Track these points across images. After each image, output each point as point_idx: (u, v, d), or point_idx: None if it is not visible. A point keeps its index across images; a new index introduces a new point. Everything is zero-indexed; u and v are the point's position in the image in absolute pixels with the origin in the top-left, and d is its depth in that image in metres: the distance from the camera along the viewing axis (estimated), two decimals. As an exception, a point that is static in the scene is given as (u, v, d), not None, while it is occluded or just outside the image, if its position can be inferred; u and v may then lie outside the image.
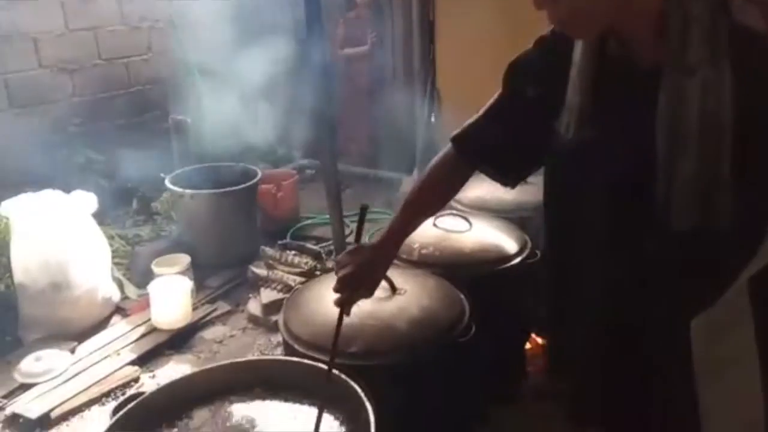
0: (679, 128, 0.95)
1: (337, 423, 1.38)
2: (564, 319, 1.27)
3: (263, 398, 1.46)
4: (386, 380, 1.47)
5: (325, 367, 1.39)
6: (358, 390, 1.37)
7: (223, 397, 1.47)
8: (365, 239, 2.24)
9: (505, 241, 2.05)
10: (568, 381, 1.32)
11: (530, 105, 1.18)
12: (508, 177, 1.35)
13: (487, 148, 1.29)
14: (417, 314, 1.62)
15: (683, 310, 0.98)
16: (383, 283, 1.70)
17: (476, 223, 2.09)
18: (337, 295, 1.40)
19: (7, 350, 2.58)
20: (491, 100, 1.29)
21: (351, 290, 1.38)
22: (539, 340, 2.30)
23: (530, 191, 2.38)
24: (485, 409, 1.88)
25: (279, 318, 1.77)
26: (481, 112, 1.31)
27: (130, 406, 1.39)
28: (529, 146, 1.22)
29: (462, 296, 1.74)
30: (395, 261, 1.97)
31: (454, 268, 1.88)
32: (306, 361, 1.47)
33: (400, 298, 1.67)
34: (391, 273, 1.73)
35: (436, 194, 1.45)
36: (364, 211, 1.42)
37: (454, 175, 1.40)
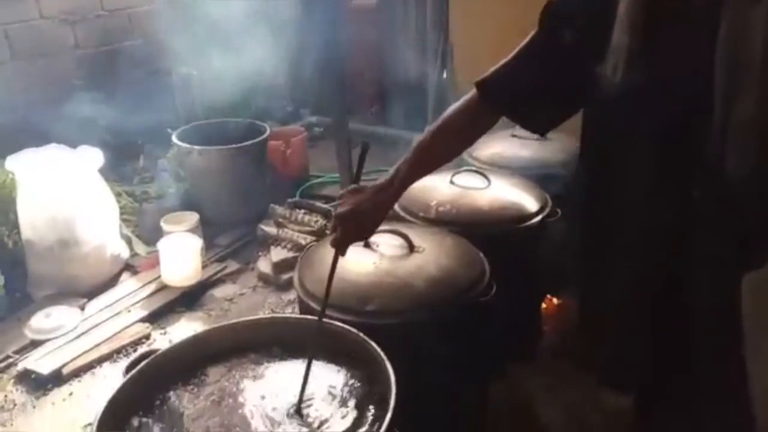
0: (740, 60, 0.87)
1: (356, 383, 1.34)
2: (600, 277, 1.21)
3: (282, 357, 1.42)
4: (405, 339, 1.42)
5: (352, 329, 1.36)
6: (377, 350, 1.33)
7: (241, 355, 1.43)
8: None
9: (524, 198, 1.99)
10: (602, 344, 1.27)
11: (568, 47, 1.09)
12: (539, 124, 1.28)
13: (518, 93, 1.22)
14: (436, 273, 1.57)
15: (733, 263, 0.92)
16: (400, 241, 1.65)
17: (495, 180, 2.02)
18: (332, 243, 1.36)
19: (16, 307, 2.56)
20: (524, 42, 1.20)
21: (347, 230, 1.33)
22: (554, 301, 2.26)
23: (550, 147, 2.33)
24: (502, 368, 1.85)
25: (294, 276, 1.72)
26: (512, 54, 1.22)
27: (144, 362, 1.35)
28: (564, 91, 1.15)
29: (481, 255, 1.68)
30: (413, 219, 1.92)
31: (473, 227, 1.83)
32: (325, 320, 1.43)
33: (418, 257, 1.62)
34: (408, 231, 1.68)
35: (453, 141, 1.37)
36: (365, 150, 1.36)
37: (476, 122, 1.33)
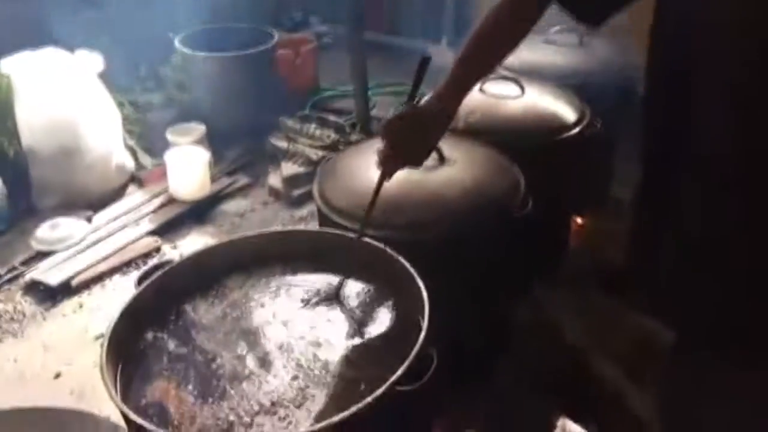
0: None
1: (384, 299, 1.24)
2: (664, 195, 1.07)
3: (306, 271, 1.31)
4: (436, 255, 1.31)
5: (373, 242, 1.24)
6: (407, 266, 1.22)
7: (262, 268, 1.32)
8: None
9: (561, 109, 1.82)
10: (657, 271, 1.14)
11: None
12: (591, 12, 1.11)
13: None
14: (469, 185, 1.44)
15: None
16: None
17: (529, 89, 1.84)
18: (381, 160, 1.21)
19: (22, 218, 2.45)
20: None
21: (399, 157, 1.18)
22: (579, 220, 2.15)
23: (587, 55, 2.13)
24: (528, 287, 1.76)
25: (313, 187, 1.59)
26: None
27: (159, 273, 1.24)
28: None
29: (516, 168, 1.54)
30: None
31: (505, 138, 1.67)
32: (352, 234, 1.31)
33: (450, 169, 1.48)
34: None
35: (500, 41, 1.20)
36: (425, 63, 1.19)
37: (523, 15, 1.16)
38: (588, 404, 1.64)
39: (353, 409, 0.93)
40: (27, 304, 2.09)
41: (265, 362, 1.12)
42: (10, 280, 2.17)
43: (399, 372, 0.99)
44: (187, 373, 1.11)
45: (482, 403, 1.57)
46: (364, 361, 1.11)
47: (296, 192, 2.63)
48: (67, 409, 0.94)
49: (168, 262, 1.29)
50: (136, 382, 1.10)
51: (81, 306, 2.09)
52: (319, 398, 1.04)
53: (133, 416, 0.95)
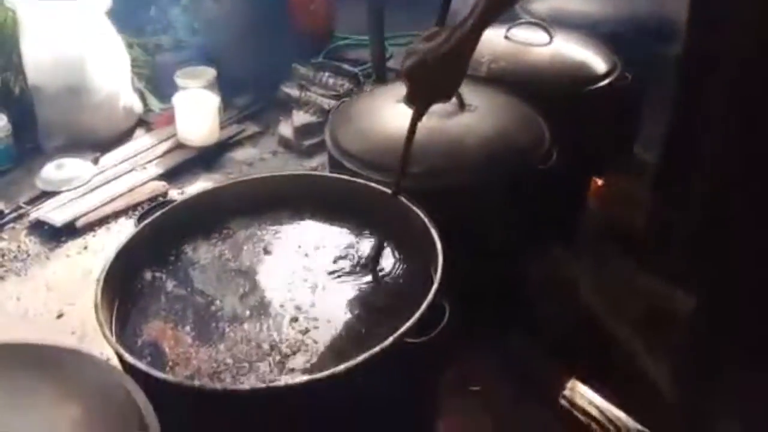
0: None
1: (393, 251, 1.17)
2: (690, 154, 0.98)
3: (316, 220, 1.24)
4: (453, 205, 1.23)
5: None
6: (422, 216, 1.14)
7: (271, 213, 1.25)
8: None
9: (591, 58, 1.70)
10: (684, 235, 1.06)
11: None
12: None
13: None
14: (490, 134, 1.35)
15: None
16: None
17: (558, 36, 1.72)
18: (409, 98, 1.11)
19: (27, 157, 2.39)
20: None
21: (428, 87, 1.08)
22: (600, 179, 2.05)
23: (621, 3, 1.99)
24: (546, 243, 1.68)
25: (325, 132, 1.50)
26: None
27: (160, 212, 1.18)
28: None
29: (540, 118, 1.44)
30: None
31: (530, 87, 1.56)
32: (372, 183, 1.23)
33: (471, 116, 1.39)
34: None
35: None
36: None
37: None
38: (600, 366, 1.58)
39: (359, 358, 0.86)
40: (31, 244, 2.04)
41: (264, 305, 1.06)
42: (14, 219, 2.12)
43: (409, 323, 0.92)
44: (185, 314, 1.05)
45: (492, 359, 1.52)
46: (371, 311, 1.05)
47: (307, 142, 2.54)
48: (65, 348, 0.88)
49: (170, 202, 1.22)
50: (132, 322, 1.04)
51: (85, 248, 2.04)
52: (320, 346, 0.98)
53: (126, 356, 0.89)
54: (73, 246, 2.04)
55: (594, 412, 1.42)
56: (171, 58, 2.79)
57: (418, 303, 0.96)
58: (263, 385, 0.87)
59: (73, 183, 2.24)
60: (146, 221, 1.15)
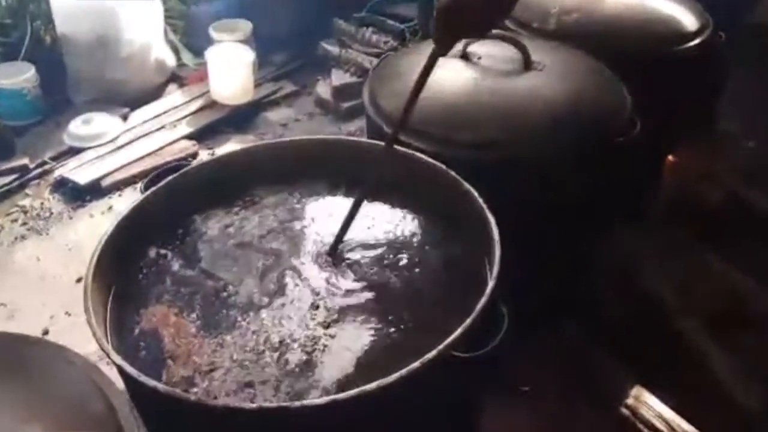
0: None
1: (438, 234, 0.97)
2: None
3: (352, 192, 1.04)
4: (511, 181, 1.01)
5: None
6: (474, 194, 0.93)
7: (304, 180, 1.06)
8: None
9: (679, 13, 1.43)
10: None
11: None
12: None
13: None
14: (560, 98, 1.11)
15: None
16: (512, 53, 1.17)
17: (640, -13, 1.45)
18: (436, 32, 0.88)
19: (56, 111, 2.26)
20: None
21: (462, 15, 0.84)
22: (675, 152, 1.78)
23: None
24: (610, 224, 1.44)
25: (363, 91, 1.29)
26: None
27: (170, 178, 1.00)
28: None
29: (620, 82, 1.19)
30: (524, 32, 1.40)
31: (607, 44, 1.30)
32: (419, 155, 1.01)
33: (536, 76, 1.15)
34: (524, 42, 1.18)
35: None
36: None
37: None
38: (666, 367, 1.37)
39: (392, 377, 0.67)
40: (55, 202, 1.93)
41: (285, 292, 0.88)
42: (39, 175, 2.01)
43: (458, 331, 0.73)
44: (191, 300, 0.88)
45: (544, 356, 1.32)
46: (410, 307, 0.85)
47: (346, 104, 2.35)
48: (32, 338, 0.72)
49: (182, 165, 1.04)
50: (130, 307, 0.88)
51: (110, 208, 1.91)
52: (342, 348, 0.79)
53: (113, 356, 0.72)
54: (97, 206, 1.92)
55: (661, 426, 1.22)
56: (206, 9, 2.60)
57: (467, 304, 0.76)
58: (272, 405, 0.69)
59: (101, 139, 2.11)
60: (154, 188, 0.97)
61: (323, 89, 2.45)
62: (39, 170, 2.01)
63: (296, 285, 0.89)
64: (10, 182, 1.95)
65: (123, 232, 0.91)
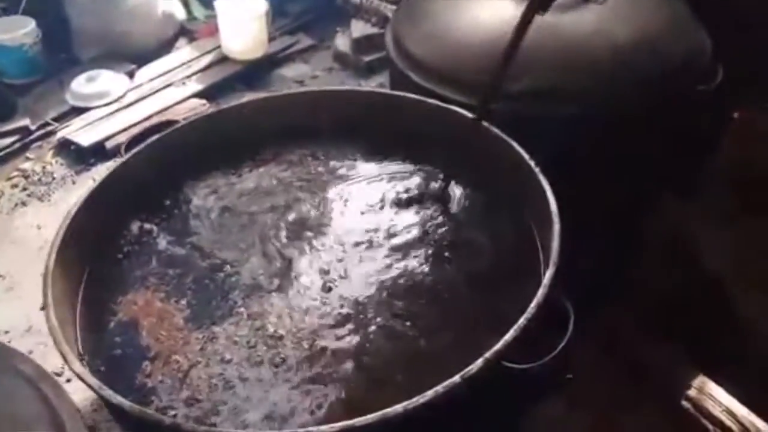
0: None
1: (475, 203, 0.78)
2: None
3: (376, 151, 0.86)
4: (569, 141, 0.81)
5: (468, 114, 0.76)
6: (524, 156, 0.74)
7: (317, 138, 0.88)
8: None
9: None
10: None
11: None
12: None
13: None
14: (627, 38, 0.90)
15: None
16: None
17: None
18: None
19: (58, 68, 2.10)
20: None
21: None
22: (738, 114, 1.54)
23: None
24: (662, 195, 1.24)
25: (386, 36, 1.09)
26: None
27: (154, 138, 0.83)
28: None
29: (698, 22, 0.97)
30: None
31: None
32: (440, 103, 0.83)
33: (599, 11, 0.93)
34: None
35: None
36: None
37: None
38: (728, 353, 1.18)
39: (426, 396, 0.50)
40: (57, 166, 1.78)
41: (295, 274, 0.71)
42: (41, 137, 1.86)
43: (507, 335, 0.55)
44: (180, 283, 0.72)
45: (590, 340, 1.14)
46: (447, 297, 0.68)
47: (367, 57, 2.16)
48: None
49: (171, 123, 0.87)
50: (107, 294, 0.72)
51: (115, 172, 1.76)
52: (368, 353, 0.63)
53: (73, 364, 0.57)
54: (101, 170, 1.77)
55: (729, 423, 1.04)
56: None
57: (518, 296, 0.58)
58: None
59: (106, 98, 1.94)
60: (135, 150, 0.80)
61: (342, 42, 2.25)
62: (41, 132, 1.86)
63: (309, 266, 0.72)
64: (11, 144, 1.81)
65: (97, 205, 0.75)
